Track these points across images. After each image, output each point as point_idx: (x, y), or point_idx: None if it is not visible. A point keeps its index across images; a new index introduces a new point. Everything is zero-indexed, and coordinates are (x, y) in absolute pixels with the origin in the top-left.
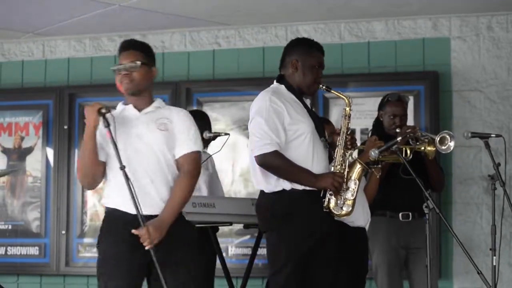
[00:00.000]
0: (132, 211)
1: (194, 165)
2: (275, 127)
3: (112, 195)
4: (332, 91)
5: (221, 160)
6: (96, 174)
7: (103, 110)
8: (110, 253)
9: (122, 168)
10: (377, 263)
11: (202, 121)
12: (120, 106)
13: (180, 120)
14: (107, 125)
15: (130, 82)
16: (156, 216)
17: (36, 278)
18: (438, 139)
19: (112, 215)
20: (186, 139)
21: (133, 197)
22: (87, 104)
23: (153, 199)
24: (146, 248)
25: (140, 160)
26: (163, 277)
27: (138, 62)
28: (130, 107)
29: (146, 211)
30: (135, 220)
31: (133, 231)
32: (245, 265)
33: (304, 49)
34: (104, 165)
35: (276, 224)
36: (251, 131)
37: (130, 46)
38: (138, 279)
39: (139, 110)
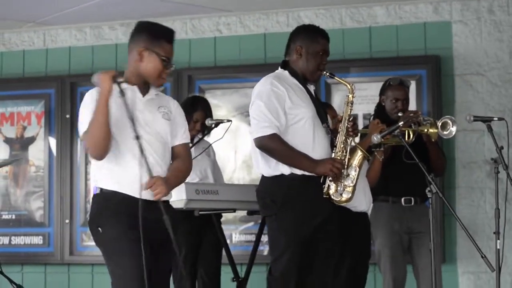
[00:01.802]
0: (135, 194)
1: (190, 154)
2: (275, 110)
3: (111, 176)
4: (336, 78)
5: (223, 147)
6: (108, 144)
7: (119, 79)
8: (120, 235)
9: (138, 138)
10: (380, 248)
11: (206, 107)
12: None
13: (178, 112)
14: (123, 94)
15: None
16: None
17: (41, 267)
18: (440, 124)
19: (112, 197)
20: (184, 131)
21: (148, 168)
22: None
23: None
24: (155, 198)
25: (147, 143)
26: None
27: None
28: (135, 88)
29: (147, 195)
30: (135, 203)
31: (147, 183)
32: (249, 252)
33: (308, 35)
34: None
35: (276, 210)
36: (251, 114)
37: (173, 41)
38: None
39: (142, 94)
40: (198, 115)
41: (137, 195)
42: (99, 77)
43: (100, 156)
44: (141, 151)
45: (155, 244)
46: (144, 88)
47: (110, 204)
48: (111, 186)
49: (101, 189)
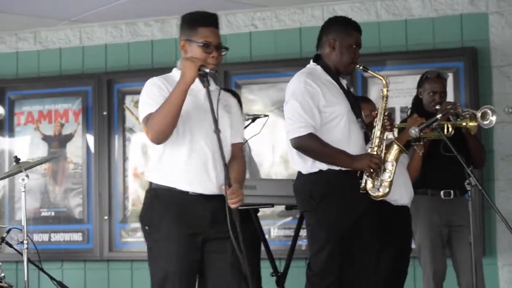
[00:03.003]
0: (192, 190)
1: (243, 154)
2: (310, 109)
3: (167, 172)
4: (369, 71)
5: (261, 142)
6: (172, 130)
7: (206, 69)
8: (171, 237)
9: (217, 131)
10: (420, 241)
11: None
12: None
13: (237, 109)
14: (208, 85)
15: (217, 62)
16: (212, 196)
17: (80, 264)
18: (480, 114)
19: (166, 194)
20: (241, 129)
21: (225, 164)
22: (184, 59)
23: (214, 178)
24: (233, 206)
25: (211, 137)
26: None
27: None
28: (197, 80)
29: (201, 189)
30: (193, 200)
31: (229, 191)
32: (287, 247)
33: (341, 28)
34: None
35: (314, 205)
36: (286, 113)
37: (217, 24)
38: (196, 261)
39: (204, 86)
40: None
41: (192, 191)
42: (184, 64)
43: (160, 140)
44: (220, 145)
45: (210, 240)
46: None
47: (161, 201)
48: (164, 181)
49: (151, 184)
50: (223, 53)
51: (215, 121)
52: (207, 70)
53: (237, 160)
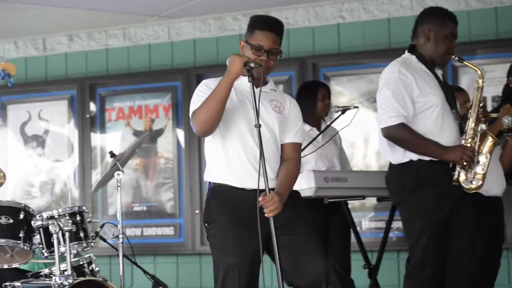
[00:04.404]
0: (244, 185)
1: (300, 155)
2: (402, 99)
3: (220, 169)
4: (465, 62)
5: (351, 134)
6: (217, 122)
7: (252, 65)
8: (227, 231)
9: (258, 126)
10: None
11: (325, 85)
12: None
13: (293, 108)
14: (253, 80)
15: (269, 68)
16: (263, 190)
17: (173, 258)
18: None
19: (222, 191)
20: (297, 129)
21: (262, 156)
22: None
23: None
24: (267, 215)
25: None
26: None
27: (280, 55)
28: (245, 79)
29: (252, 185)
30: (247, 195)
31: (260, 199)
32: (379, 239)
33: (437, 18)
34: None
35: (407, 196)
36: (378, 102)
37: (278, 31)
38: (257, 255)
39: (256, 86)
40: (322, 92)
41: (245, 187)
42: (231, 58)
43: (205, 131)
44: (260, 139)
45: (267, 235)
46: (262, 81)
47: (217, 198)
48: (218, 178)
49: (209, 183)
50: (277, 58)
51: (257, 117)
52: (252, 65)
53: (289, 161)
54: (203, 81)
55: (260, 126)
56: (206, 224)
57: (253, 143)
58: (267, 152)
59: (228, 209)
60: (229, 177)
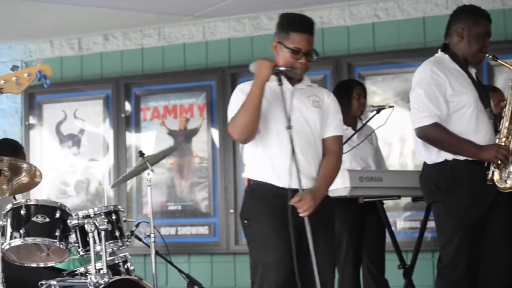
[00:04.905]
0: (284, 184)
1: (341, 148)
2: (435, 98)
3: (261, 168)
4: (499, 61)
5: (387, 133)
6: (256, 128)
7: (282, 69)
8: (269, 229)
9: (289, 128)
10: None
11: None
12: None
13: (331, 102)
14: (281, 83)
15: (305, 69)
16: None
17: (207, 257)
18: None
19: (263, 189)
20: (337, 122)
21: (294, 158)
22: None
23: (302, 174)
24: (301, 215)
25: (295, 133)
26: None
27: (317, 56)
28: (284, 79)
29: (293, 184)
30: (286, 195)
31: (293, 200)
32: (413, 239)
33: (470, 17)
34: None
35: (441, 195)
36: (412, 102)
37: (312, 31)
38: (290, 253)
39: (292, 84)
40: (357, 90)
41: (285, 186)
42: (258, 63)
43: (245, 137)
44: (291, 141)
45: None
46: (296, 79)
47: (257, 196)
48: (258, 176)
49: (249, 180)
50: (314, 58)
51: (288, 119)
52: (282, 69)
53: (330, 154)
54: (238, 86)
55: (291, 128)
56: (245, 221)
57: (294, 141)
58: (307, 150)
59: (269, 207)
60: (270, 176)
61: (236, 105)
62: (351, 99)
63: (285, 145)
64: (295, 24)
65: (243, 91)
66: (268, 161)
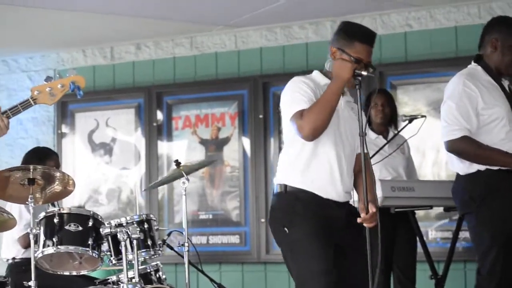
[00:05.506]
0: (327, 195)
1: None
2: (466, 112)
3: (304, 175)
4: None
5: (420, 143)
6: (326, 128)
7: (363, 72)
8: (317, 237)
9: (363, 135)
10: None
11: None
12: (322, 78)
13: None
14: (360, 87)
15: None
16: (343, 203)
17: (238, 266)
18: None
19: (306, 197)
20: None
21: (365, 168)
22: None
23: (340, 186)
24: (369, 226)
25: (348, 144)
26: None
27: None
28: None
29: (335, 196)
30: (331, 206)
31: (360, 219)
32: (444, 249)
33: (504, 28)
34: None
35: (475, 207)
36: (442, 115)
37: (373, 43)
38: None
39: (342, 94)
40: (375, 98)
41: (326, 196)
42: (340, 64)
43: (315, 135)
44: (363, 149)
45: (346, 246)
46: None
47: (300, 204)
48: (301, 184)
49: (286, 186)
50: (371, 71)
51: (361, 125)
52: (364, 73)
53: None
54: (299, 79)
55: (365, 134)
56: (285, 229)
57: (340, 152)
58: (349, 163)
59: (314, 215)
60: (312, 185)
61: (303, 98)
62: (369, 106)
63: (333, 154)
64: (361, 34)
65: (309, 85)
66: (313, 169)
